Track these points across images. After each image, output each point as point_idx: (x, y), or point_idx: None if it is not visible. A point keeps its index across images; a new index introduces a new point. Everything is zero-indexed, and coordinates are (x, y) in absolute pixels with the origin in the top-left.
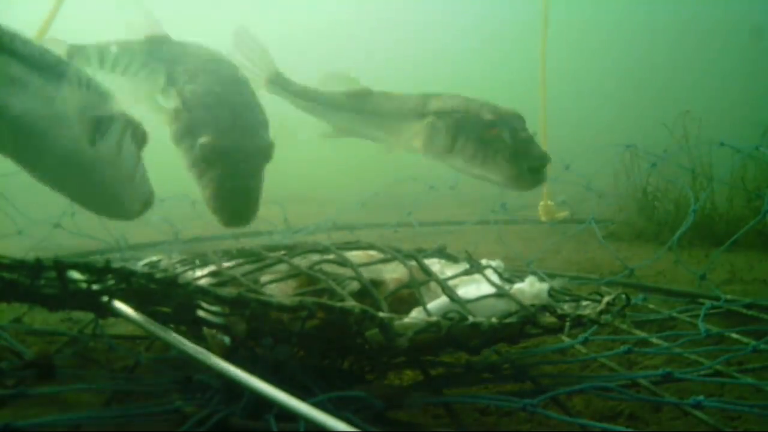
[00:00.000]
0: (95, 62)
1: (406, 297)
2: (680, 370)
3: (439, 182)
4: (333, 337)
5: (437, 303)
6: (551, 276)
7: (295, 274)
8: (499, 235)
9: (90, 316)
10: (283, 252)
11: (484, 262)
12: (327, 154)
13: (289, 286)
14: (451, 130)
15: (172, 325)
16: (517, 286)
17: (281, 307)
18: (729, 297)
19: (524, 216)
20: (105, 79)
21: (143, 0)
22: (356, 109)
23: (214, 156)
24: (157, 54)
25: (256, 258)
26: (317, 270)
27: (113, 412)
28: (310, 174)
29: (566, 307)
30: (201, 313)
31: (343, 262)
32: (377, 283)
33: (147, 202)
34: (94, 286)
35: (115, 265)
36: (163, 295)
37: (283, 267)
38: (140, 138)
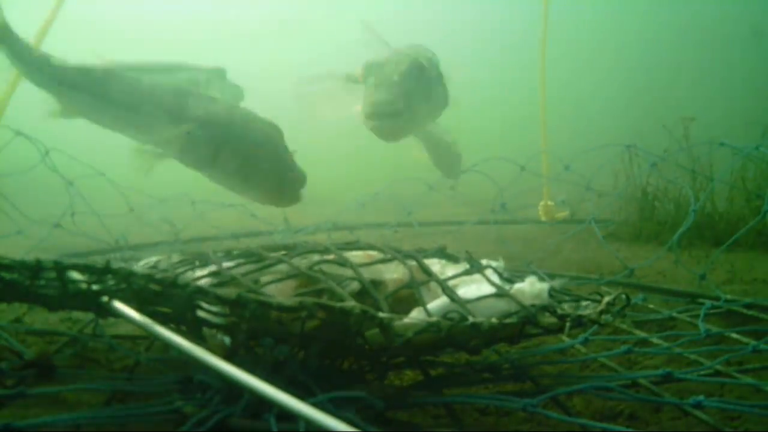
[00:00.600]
0: None
1: (406, 297)
2: (680, 370)
3: (439, 182)
4: (333, 338)
5: (437, 303)
6: (551, 276)
7: (295, 274)
8: (499, 235)
9: (90, 316)
10: (283, 252)
11: (484, 262)
12: (327, 154)
13: (289, 286)
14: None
15: (172, 325)
16: (517, 286)
17: (281, 308)
18: (729, 297)
19: (524, 216)
20: None
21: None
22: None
23: None
24: None
25: (256, 258)
26: (317, 270)
27: (113, 412)
28: (310, 174)
29: (566, 307)
30: (201, 313)
31: (343, 263)
32: (377, 284)
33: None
34: (94, 287)
35: (115, 265)
36: (163, 296)
37: (283, 267)
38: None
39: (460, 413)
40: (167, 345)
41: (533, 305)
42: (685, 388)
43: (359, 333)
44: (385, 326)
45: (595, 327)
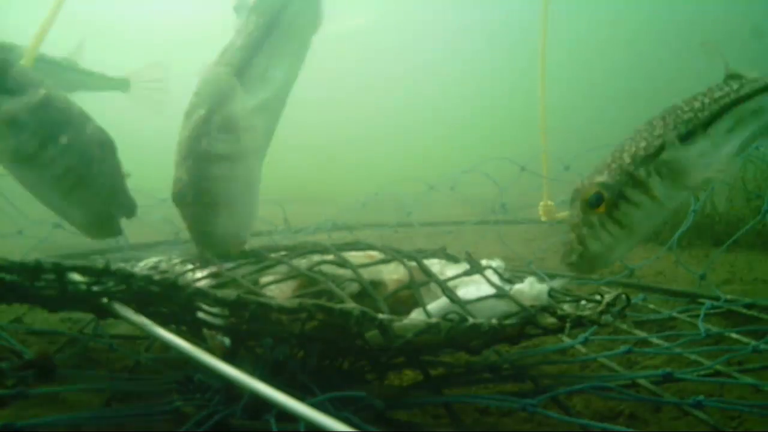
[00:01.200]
0: None
1: (406, 298)
2: (680, 370)
3: (439, 182)
4: (333, 338)
5: (437, 304)
6: (551, 276)
7: (295, 275)
8: (499, 235)
9: (90, 316)
10: (283, 253)
11: (484, 262)
12: (327, 153)
13: (289, 287)
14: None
15: (172, 326)
16: (517, 286)
17: (281, 309)
18: (729, 297)
19: (524, 216)
20: None
21: None
22: None
23: None
24: None
25: (256, 259)
26: (317, 271)
27: (113, 412)
28: (310, 174)
29: (566, 308)
30: (201, 314)
31: (343, 263)
32: (377, 284)
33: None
34: (94, 288)
35: (115, 266)
36: (163, 297)
37: (283, 268)
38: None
39: (460, 413)
40: (167, 345)
41: (533, 306)
42: (685, 388)
43: (359, 334)
44: (384, 327)
45: (595, 327)
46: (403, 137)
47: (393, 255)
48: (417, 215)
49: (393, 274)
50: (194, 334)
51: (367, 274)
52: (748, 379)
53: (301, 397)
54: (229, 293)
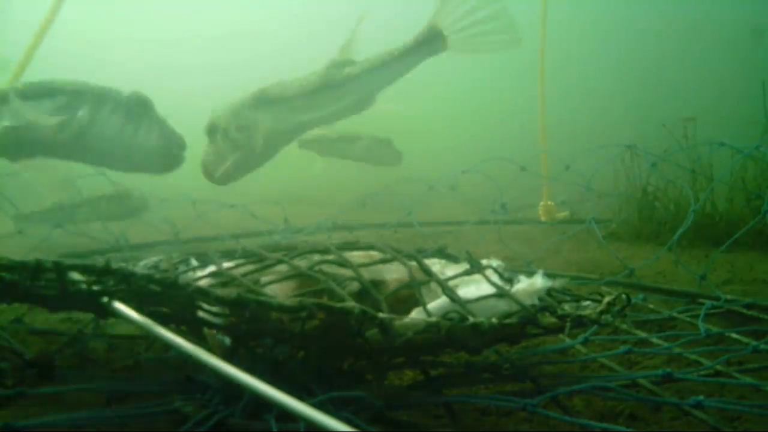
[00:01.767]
0: None
1: (406, 297)
2: (680, 370)
3: (439, 182)
4: (333, 338)
5: (437, 303)
6: (551, 276)
7: (295, 274)
8: (499, 235)
9: (90, 316)
10: (283, 252)
11: (484, 262)
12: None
13: (289, 286)
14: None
15: (172, 326)
16: (518, 286)
17: (281, 308)
18: (729, 297)
19: (524, 216)
20: None
21: None
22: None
23: None
24: None
25: (257, 258)
26: (317, 270)
27: (113, 412)
28: (310, 174)
29: (567, 308)
30: (201, 313)
31: (343, 263)
32: (377, 284)
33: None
34: (94, 287)
35: (115, 265)
36: (163, 296)
37: (283, 267)
38: None
39: (460, 413)
40: (167, 345)
41: (533, 306)
42: (685, 388)
43: (359, 333)
44: (385, 326)
45: (596, 327)
46: (403, 137)
47: (393, 254)
48: (417, 215)
49: (393, 273)
50: (194, 334)
51: (367, 273)
52: (748, 379)
53: (301, 397)
54: (230, 292)
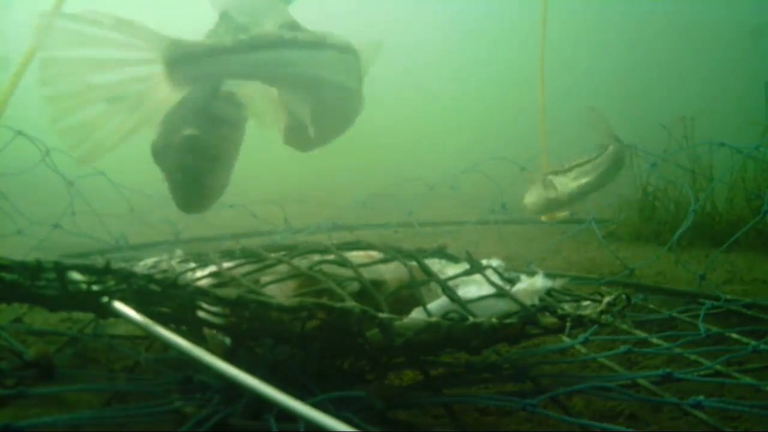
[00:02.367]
0: None
1: (407, 297)
2: (680, 370)
3: (439, 182)
4: (333, 337)
5: (437, 303)
6: (551, 276)
7: (295, 274)
8: (499, 235)
9: (90, 316)
10: (283, 252)
11: (484, 262)
12: (327, 153)
13: (290, 286)
14: None
15: (172, 326)
16: (518, 286)
17: (281, 308)
18: (729, 297)
19: (524, 216)
20: None
21: None
22: None
23: None
24: None
25: (257, 258)
26: (317, 270)
27: (113, 412)
28: (310, 174)
29: (567, 307)
30: (201, 313)
31: (344, 263)
32: (377, 284)
33: None
34: (94, 287)
35: (115, 265)
36: (163, 296)
37: (283, 267)
38: None
39: (460, 413)
40: (167, 345)
41: (533, 305)
42: (685, 388)
43: (359, 333)
44: (385, 326)
45: (596, 327)
46: (403, 137)
47: (393, 254)
48: (417, 215)
49: (393, 273)
50: (194, 334)
51: (367, 273)
52: (748, 379)
53: (301, 397)
54: (230, 292)
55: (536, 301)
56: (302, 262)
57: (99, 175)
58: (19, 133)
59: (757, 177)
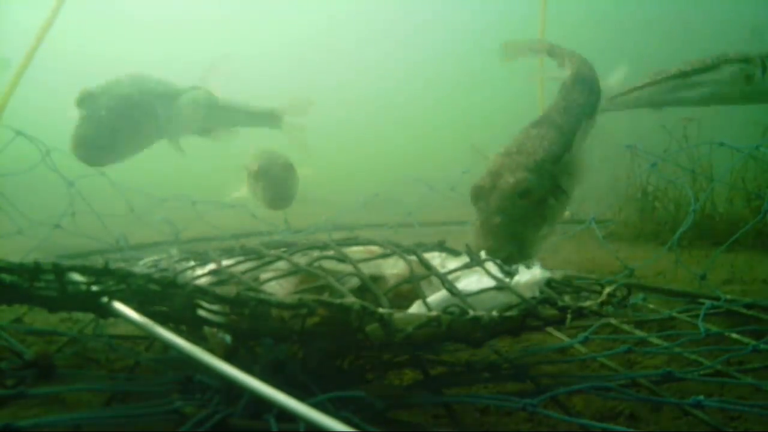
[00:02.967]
0: None
1: (407, 292)
2: (680, 370)
3: (439, 183)
4: (334, 334)
5: (437, 297)
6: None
7: (294, 271)
8: None
9: (90, 316)
10: (282, 249)
11: (483, 254)
12: (327, 154)
13: (290, 283)
14: None
15: (171, 325)
16: (518, 278)
17: (281, 305)
18: (729, 297)
19: None
20: None
21: None
22: None
23: None
24: None
25: (256, 256)
26: (317, 267)
27: (113, 412)
28: (310, 174)
29: (567, 299)
30: (201, 312)
31: (343, 259)
32: (377, 279)
33: None
34: (94, 288)
35: (114, 265)
36: (163, 295)
37: (283, 264)
38: None
39: (460, 413)
40: (167, 345)
41: (534, 297)
42: (685, 388)
43: (360, 329)
44: (385, 321)
45: (596, 326)
46: (403, 137)
47: (393, 249)
48: (417, 216)
49: (393, 268)
50: (194, 334)
51: (367, 268)
52: (748, 379)
53: (301, 397)
54: (229, 290)
55: (537, 293)
56: (302, 259)
57: (99, 176)
58: (19, 133)
59: (757, 177)
